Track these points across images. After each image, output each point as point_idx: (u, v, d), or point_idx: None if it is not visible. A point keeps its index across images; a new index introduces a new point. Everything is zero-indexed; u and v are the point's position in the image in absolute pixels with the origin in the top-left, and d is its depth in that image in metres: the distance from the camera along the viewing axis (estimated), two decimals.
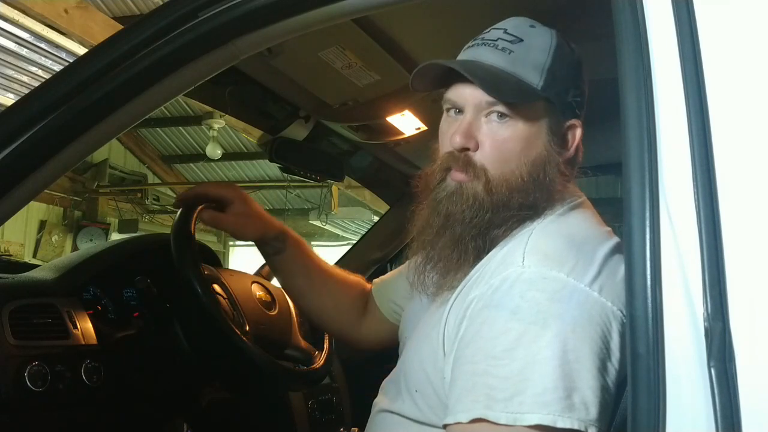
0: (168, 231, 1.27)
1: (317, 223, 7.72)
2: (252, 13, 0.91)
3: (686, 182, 0.60)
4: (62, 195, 7.15)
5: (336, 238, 8.55)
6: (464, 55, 0.94)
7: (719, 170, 0.59)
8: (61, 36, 3.78)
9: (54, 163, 0.99)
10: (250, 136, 5.71)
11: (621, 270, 0.73)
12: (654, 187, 0.61)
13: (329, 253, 8.34)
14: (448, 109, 0.95)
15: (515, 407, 0.73)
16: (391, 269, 2.15)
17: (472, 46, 0.94)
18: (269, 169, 7.79)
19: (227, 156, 7.59)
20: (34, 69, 4.18)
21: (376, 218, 6.44)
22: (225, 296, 1.37)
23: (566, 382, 0.73)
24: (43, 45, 3.90)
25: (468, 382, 0.78)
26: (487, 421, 0.74)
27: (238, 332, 1.22)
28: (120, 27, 1.29)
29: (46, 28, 3.68)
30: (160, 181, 8.29)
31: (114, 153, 7.73)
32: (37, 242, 7.05)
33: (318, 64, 1.39)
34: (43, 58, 4.06)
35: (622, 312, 0.78)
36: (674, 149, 0.61)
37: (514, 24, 0.93)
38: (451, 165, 0.91)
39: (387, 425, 0.97)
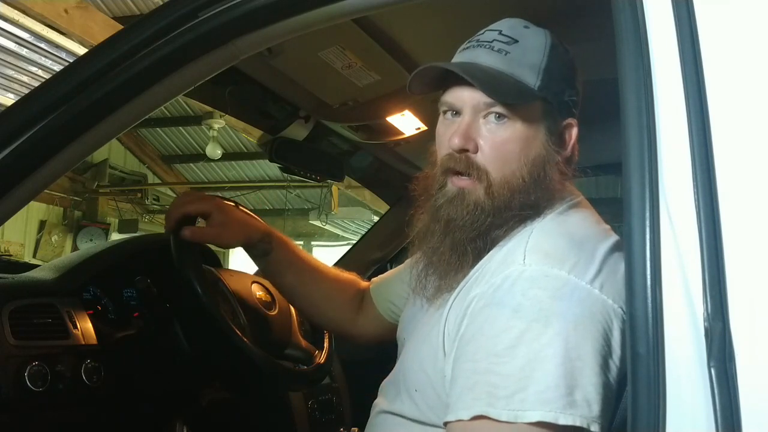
0: None
1: (317, 223, 7.72)
2: (252, 13, 0.91)
3: (686, 182, 0.60)
4: (62, 195, 7.15)
5: (336, 238, 8.55)
6: (460, 57, 0.95)
7: (719, 170, 0.59)
8: (61, 36, 3.78)
9: (54, 163, 0.99)
10: (250, 136, 5.71)
11: (621, 267, 0.74)
12: (654, 187, 0.61)
13: (329, 253, 8.38)
14: (444, 112, 0.95)
15: (517, 404, 0.73)
16: (390, 269, 2.16)
17: (468, 48, 0.94)
18: (269, 169, 7.79)
19: (227, 156, 7.59)
20: (34, 69, 4.18)
21: (376, 218, 6.44)
22: (225, 296, 1.37)
23: (568, 380, 0.73)
24: (43, 45, 3.90)
25: (469, 379, 0.78)
26: (489, 419, 0.74)
27: (238, 332, 1.22)
28: (120, 27, 1.29)
29: (46, 28, 3.68)
30: (160, 181, 8.29)
31: (114, 153, 7.73)
32: (37, 242, 7.05)
33: (318, 64, 1.39)
34: (43, 58, 4.06)
35: (623, 309, 0.78)
36: (674, 149, 0.61)
37: (508, 25, 0.93)
38: (451, 166, 0.91)
39: (387, 426, 0.97)
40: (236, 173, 8.25)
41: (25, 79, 4.27)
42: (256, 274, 1.57)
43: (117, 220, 7.80)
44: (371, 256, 2.17)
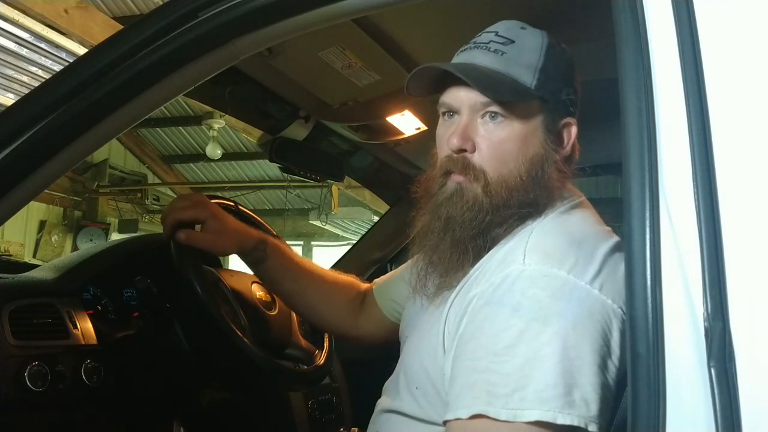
0: None
1: (317, 223, 7.72)
2: (252, 13, 0.91)
3: (686, 182, 0.60)
4: (62, 195, 7.15)
5: (336, 238, 8.55)
6: (457, 59, 0.96)
7: (719, 170, 0.59)
8: (61, 36, 3.78)
9: (54, 163, 0.99)
10: (250, 136, 5.71)
11: (621, 268, 0.74)
12: (654, 187, 0.61)
13: (329, 253, 8.37)
14: (443, 113, 0.96)
15: (515, 404, 0.73)
16: (391, 269, 2.15)
17: (465, 50, 0.95)
18: (269, 169, 7.79)
19: (227, 156, 7.59)
20: (34, 69, 4.18)
21: (376, 218, 6.44)
22: (225, 296, 1.37)
23: (567, 379, 0.73)
24: (43, 45, 3.89)
25: (469, 378, 0.78)
26: (488, 417, 0.74)
27: (238, 332, 1.22)
28: (120, 27, 1.29)
29: (46, 28, 3.68)
30: (160, 181, 8.29)
31: (114, 153, 7.73)
32: (37, 242, 7.05)
33: (318, 64, 1.39)
34: (43, 58, 4.06)
35: (622, 309, 0.79)
36: (674, 149, 0.61)
37: (505, 27, 0.94)
38: (450, 168, 0.92)
39: (388, 424, 0.97)
40: (236, 173, 8.25)
41: (25, 79, 4.27)
42: None
43: (117, 220, 7.80)
44: (371, 256, 2.17)
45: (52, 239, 7.13)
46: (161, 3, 0.99)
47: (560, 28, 0.96)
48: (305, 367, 1.43)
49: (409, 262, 1.14)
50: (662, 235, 0.60)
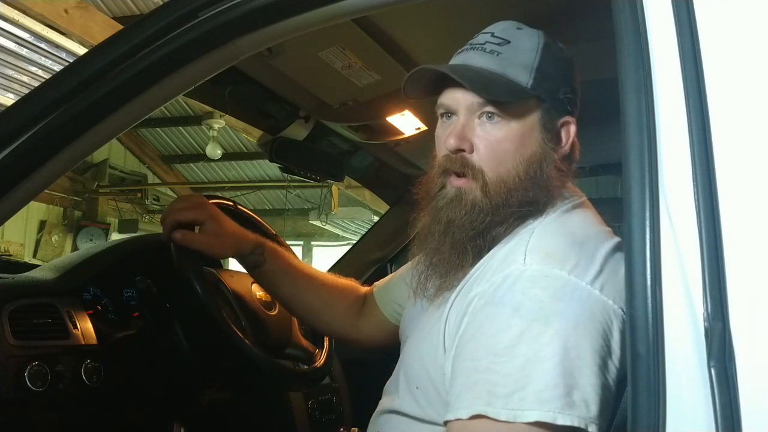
0: None
1: (317, 223, 7.72)
2: (252, 13, 0.91)
3: (686, 182, 0.60)
4: (62, 195, 7.15)
5: (336, 238, 8.55)
6: (454, 60, 0.96)
7: (719, 170, 0.59)
8: (61, 36, 3.78)
9: (54, 163, 0.99)
10: (250, 136, 5.71)
11: (622, 268, 0.74)
12: (654, 187, 0.61)
13: (329, 253, 8.37)
14: (442, 114, 0.97)
15: (516, 404, 0.73)
16: (391, 269, 2.16)
17: (462, 51, 0.96)
18: (269, 169, 7.79)
19: (227, 156, 7.59)
20: (34, 69, 4.18)
21: (376, 218, 6.44)
22: (225, 297, 1.37)
23: (567, 380, 0.73)
24: (43, 45, 3.90)
25: (469, 378, 0.78)
26: (488, 418, 0.74)
27: (238, 332, 1.22)
28: (120, 27, 1.29)
29: (46, 28, 3.68)
30: (160, 181, 8.29)
31: (114, 153, 7.73)
32: (37, 242, 7.05)
33: (318, 64, 1.39)
34: (43, 58, 4.06)
35: (623, 310, 0.79)
36: (674, 149, 0.61)
37: (501, 27, 0.95)
38: (448, 167, 0.92)
39: (388, 424, 0.97)
40: (236, 173, 8.25)
41: (25, 79, 4.27)
42: None
43: (117, 220, 7.80)
44: (371, 256, 2.17)
45: (52, 239, 7.13)
46: (161, 3, 0.99)
47: (560, 28, 0.96)
48: (305, 367, 1.43)
49: (410, 263, 1.14)
50: (662, 235, 0.60)
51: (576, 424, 0.72)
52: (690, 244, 0.59)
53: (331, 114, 1.66)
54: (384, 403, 1.01)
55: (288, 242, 1.46)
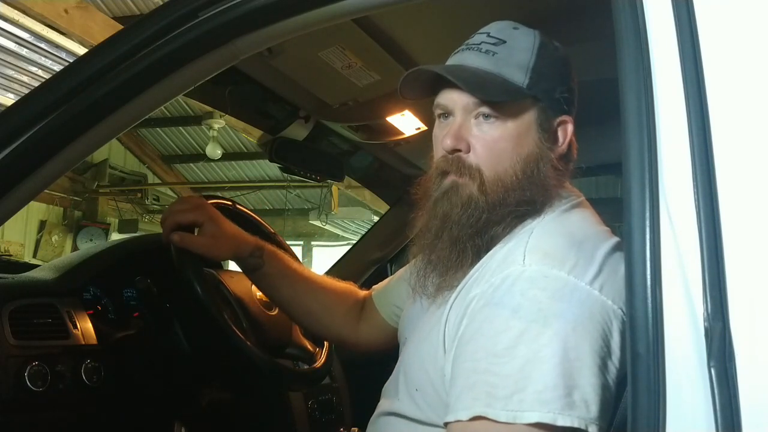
0: None
1: (317, 223, 7.72)
2: (252, 13, 0.91)
3: (686, 182, 0.60)
4: (62, 195, 7.15)
5: (336, 238, 8.55)
6: (450, 61, 0.96)
7: (719, 170, 0.59)
8: (61, 36, 3.78)
9: (54, 163, 0.99)
10: (250, 136, 5.71)
11: (621, 268, 0.74)
12: (654, 187, 0.61)
13: (329, 253, 8.37)
14: (439, 115, 0.97)
15: (515, 405, 0.73)
16: (391, 269, 2.16)
17: (458, 52, 0.96)
18: (269, 169, 7.79)
19: (227, 156, 7.59)
20: (34, 69, 4.18)
21: (376, 218, 6.44)
22: (225, 298, 1.37)
23: (567, 380, 0.73)
24: (43, 45, 3.90)
25: (469, 379, 0.78)
26: (487, 419, 0.74)
27: (238, 332, 1.22)
28: (120, 27, 1.29)
29: (46, 28, 3.68)
30: (160, 181, 8.29)
31: (114, 153, 7.73)
32: (37, 242, 7.05)
33: (318, 64, 1.39)
34: (43, 58, 4.06)
35: (622, 310, 0.78)
36: (674, 149, 0.61)
37: (497, 27, 0.95)
38: (445, 168, 0.93)
39: (388, 426, 0.97)
40: (236, 173, 8.25)
41: (25, 79, 4.27)
42: None
43: (117, 220, 7.80)
44: (371, 256, 2.17)
45: (52, 239, 7.13)
46: (161, 3, 0.99)
47: (560, 28, 0.96)
48: (305, 366, 1.43)
49: (408, 266, 1.14)
50: (662, 235, 0.60)
51: (576, 425, 0.72)
52: (690, 244, 0.58)
53: (331, 114, 1.66)
54: (383, 405, 1.01)
55: (288, 242, 1.46)
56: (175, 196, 8.25)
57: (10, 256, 5.86)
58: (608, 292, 0.80)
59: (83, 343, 1.22)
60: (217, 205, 1.26)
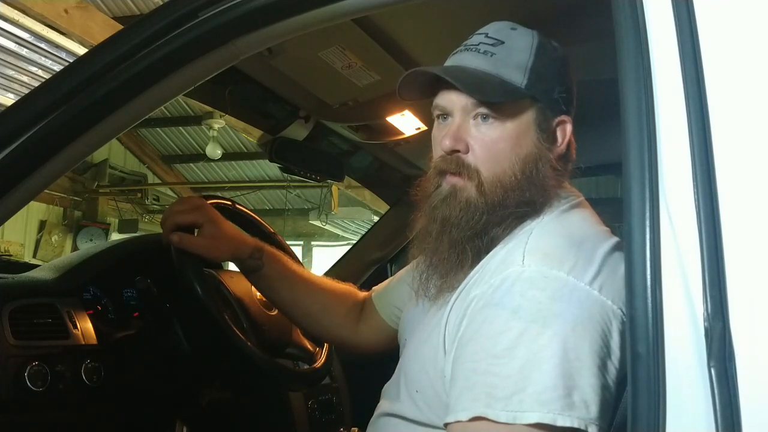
0: None
1: (317, 223, 7.72)
2: (252, 13, 0.91)
3: (686, 182, 0.60)
4: (62, 195, 7.15)
5: (336, 238, 8.55)
6: (449, 61, 0.97)
7: (719, 170, 0.59)
8: (61, 36, 3.78)
9: (54, 163, 0.99)
10: (250, 136, 5.71)
11: (621, 268, 0.74)
12: (654, 187, 0.61)
13: (329, 253, 8.37)
14: (438, 116, 0.97)
15: (515, 406, 0.73)
16: (391, 270, 2.16)
17: (456, 52, 0.96)
18: (269, 169, 7.79)
19: (227, 156, 7.59)
20: (34, 69, 4.18)
21: (376, 218, 6.44)
22: (226, 298, 1.37)
23: (566, 381, 0.73)
24: (43, 45, 3.90)
25: (468, 380, 0.78)
26: (487, 420, 0.74)
27: (238, 332, 1.22)
28: (120, 27, 1.29)
29: (46, 28, 3.68)
30: (160, 181, 8.29)
31: (114, 153, 7.73)
32: (37, 242, 7.05)
33: (318, 64, 1.39)
34: (43, 58, 4.06)
35: (622, 310, 0.78)
36: (674, 149, 0.61)
37: (495, 28, 0.95)
38: (444, 168, 0.93)
39: (388, 428, 0.97)
40: (236, 173, 8.25)
41: (25, 79, 4.27)
42: None
43: (117, 220, 7.80)
44: (371, 256, 2.17)
45: (52, 239, 7.13)
46: (161, 3, 0.99)
47: (560, 28, 0.96)
48: (305, 366, 1.43)
49: (409, 266, 1.14)
50: (662, 235, 0.60)
51: (576, 425, 0.72)
52: (690, 244, 0.58)
53: (331, 114, 1.66)
54: (383, 406, 1.01)
55: (288, 242, 1.46)
56: (175, 196, 8.25)
57: (10, 256, 5.86)
58: (608, 292, 0.80)
59: (83, 343, 1.22)
60: (217, 205, 1.26)
